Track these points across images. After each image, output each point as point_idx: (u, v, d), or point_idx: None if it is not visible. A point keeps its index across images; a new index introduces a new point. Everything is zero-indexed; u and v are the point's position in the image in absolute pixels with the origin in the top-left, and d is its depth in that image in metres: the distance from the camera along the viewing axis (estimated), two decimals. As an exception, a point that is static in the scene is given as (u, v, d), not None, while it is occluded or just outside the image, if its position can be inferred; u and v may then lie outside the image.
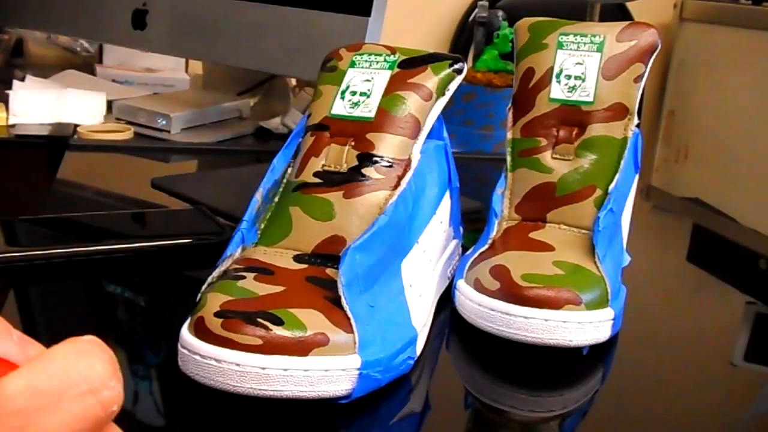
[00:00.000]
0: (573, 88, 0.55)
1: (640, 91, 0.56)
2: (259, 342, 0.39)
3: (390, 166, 0.48)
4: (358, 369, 0.40)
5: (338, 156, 0.49)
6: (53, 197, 0.77)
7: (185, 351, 0.40)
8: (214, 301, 0.41)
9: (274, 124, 1.06)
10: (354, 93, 0.50)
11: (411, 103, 0.50)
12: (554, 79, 0.56)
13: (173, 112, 0.99)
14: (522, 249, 0.52)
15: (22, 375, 0.20)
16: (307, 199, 0.48)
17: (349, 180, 0.48)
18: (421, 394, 0.45)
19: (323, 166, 0.49)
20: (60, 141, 0.93)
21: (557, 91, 0.56)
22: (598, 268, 0.50)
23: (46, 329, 0.50)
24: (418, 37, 2.11)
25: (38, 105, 1.00)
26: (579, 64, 0.56)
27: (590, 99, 0.55)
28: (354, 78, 0.51)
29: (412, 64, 0.51)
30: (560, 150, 0.55)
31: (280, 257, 0.46)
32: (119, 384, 0.21)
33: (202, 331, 0.40)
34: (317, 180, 0.48)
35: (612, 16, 2.03)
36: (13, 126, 0.98)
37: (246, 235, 0.48)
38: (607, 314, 0.48)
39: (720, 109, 1.98)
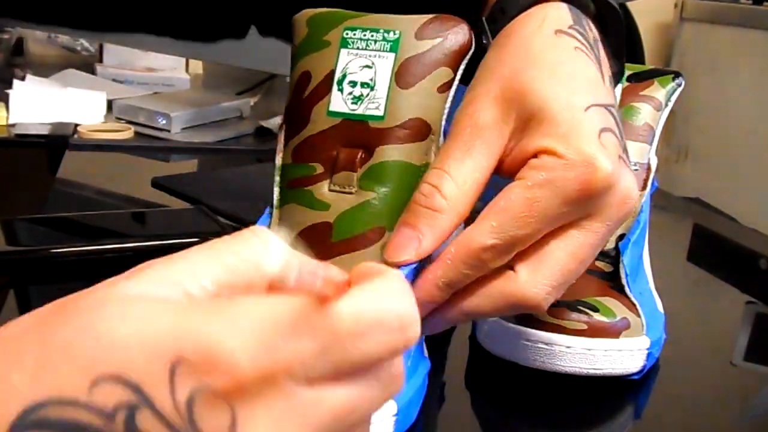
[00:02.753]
0: (359, 99, 0.42)
1: (448, 104, 0.42)
2: (584, 327, 0.45)
3: (636, 170, 0.53)
4: (648, 348, 0.47)
5: None
6: (53, 197, 0.77)
7: (509, 337, 0.46)
8: None
9: (274, 123, 1.06)
10: None
11: (645, 112, 0.55)
12: (335, 87, 0.43)
13: (173, 112, 0.99)
14: None
15: (352, 301, 0.23)
16: None
17: None
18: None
19: None
20: (60, 140, 0.93)
21: (339, 102, 0.42)
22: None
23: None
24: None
25: (38, 104, 1.00)
26: (367, 68, 0.42)
27: (380, 113, 0.42)
28: None
29: (640, 78, 0.56)
30: (339, 179, 0.42)
31: None
32: (419, 328, 0.24)
33: (528, 320, 0.45)
34: None
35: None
36: (13, 125, 0.98)
37: None
38: None
39: (720, 109, 1.98)
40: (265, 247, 0.24)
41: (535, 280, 0.37)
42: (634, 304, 0.48)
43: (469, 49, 0.43)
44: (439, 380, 0.47)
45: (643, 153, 0.54)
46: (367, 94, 0.42)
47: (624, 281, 0.49)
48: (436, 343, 0.52)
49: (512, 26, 0.41)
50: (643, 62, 2.10)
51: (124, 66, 1.29)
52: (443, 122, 0.42)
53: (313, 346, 0.22)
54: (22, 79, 1.07)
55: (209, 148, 0.98)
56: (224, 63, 1.04)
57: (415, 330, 0.24)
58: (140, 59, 1.30)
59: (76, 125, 0.98)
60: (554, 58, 0.39)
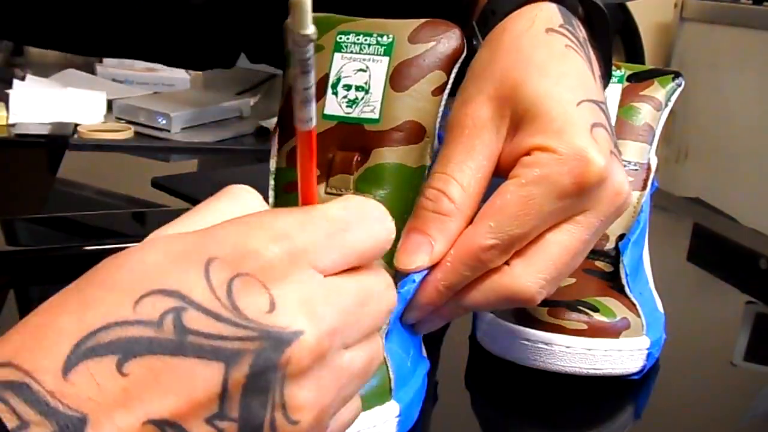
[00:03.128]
0: (354, 102, 0.43)
1: (441, 108, 0.43)
2: (584, 327, 0.45)
3: (636, 170, 0.53)
4: (648, 348, 0.46)
5: None
6: (53, 197, 0.77)
7: (509, 337, 0.45)
8: None
9: (275, 123, 1.06)
10: None
11: (645, 113, 0.55)
12: (330, 91, 0.43)
13: (173, 112, 0.99)
14: None
15: (338, 202, 0.28)
16: None
17: None
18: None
19: None
20: (60, 140, 0.93)
21: (333, 105, 0.43)
22: None
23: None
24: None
25: (38, 104, 1.00)
26: (362, 72, 0.43)
27: (376, 116, 0.42)
28: None
29: (640, 77, 0.56)
30: (336, 182, 0.42)
31: None
32: (393, 225, 0.29)
33: (528, 320, 0.45)
34: None
35: (612, 16, 2.03)
36: (13, 125, 0.98)
37: None
38: None
39: (720, 109, 1.98)
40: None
41: (529, 273, 0.37)
42: (634, 304, 0.48)
43: (462, 53, 0.43)
44: (438, 380, 0.47)
45: (643, 153, 0.54)
46: (362, 98, 0.43)
47: (624, 281, 0.49)
48: (435, 343, 0.52)
49: (503, 26, 0.42)
50: (643, 62, 2.10)
51: (124, 66, 1.29)
52: (435, 125, 0.43)
53: (318, 233, 0.26)
54: (22, 79, 1.07)
55: (209, 148, 0.98)
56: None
57: (391, 224, 0.29)
58: (140, 59, 1.30)
59: (76, 125, 0.98)
60: (545, 56, 0.39)
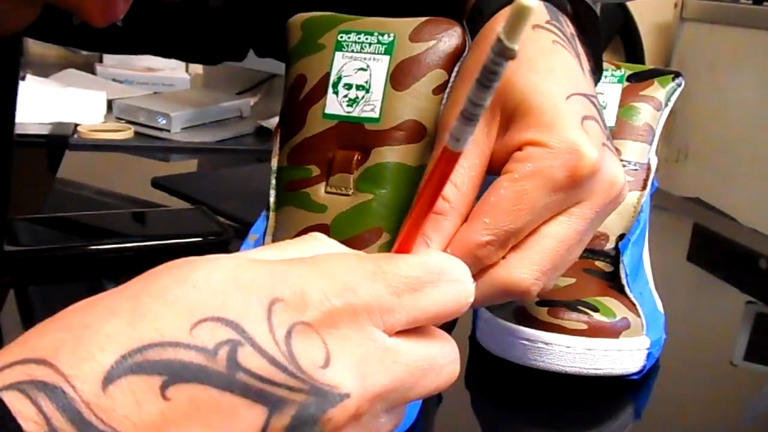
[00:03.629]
0: (354, 101, 0.43)
1: (442, 106, 0.43)
2: (584, 327, 0.45)
3: (636, 170, 0.53)
4: (647, 348, 0.46)
5: None
6: (53, 197, 0.77)
7: (509, 337, 0.46)
8: None
9: (274, 123, 1.06)
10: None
11: (645, 113, 0.55)
12: (331, 90, 0.43)
13: (173, 112, 0.99)
14: None
15: (418, 254, 0.27)
16: None
17: None
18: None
19: None
20: (60, 140, 0.93)
21: (334, 104, 0.43)
22: None
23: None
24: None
25: (38, 104, 1.00)
26: (362, 71, 0.43)
27: (376, 115, 0.42)
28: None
29: (640, 78, 0.56)
30: (336, 181, 0.42)
31: None
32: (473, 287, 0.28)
33: (527, 319, 0.46)
34: None
35: (612, 17, 2.03)
36: (13, 125, 0.98)
37: None
38: None
39: (720, 109, 1.98)
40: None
41: (524, 265, 0.37)
42: (634, 304, 0.48)
43: (463, 51, 0.43)
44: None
45: (643, 153, 0.54)
46: (363, 97, 0.42)
47: (624, 281, 0.49)
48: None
49: (490, 25, 0.42)
50: (643, 62, 2.10)
51: (124, 66, 1.29)
52: (433, 124, 0.43)
53: (386, 289, 0.26)
54: (22, 79, 1.07)
55: (209, 148, 0.98)
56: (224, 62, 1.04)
57: (471, 285, 0.28)
58: (140, 59, 1.30)
59: (76, 125, 0.98)
60: (533, 52, 0.39)
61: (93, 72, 1.25)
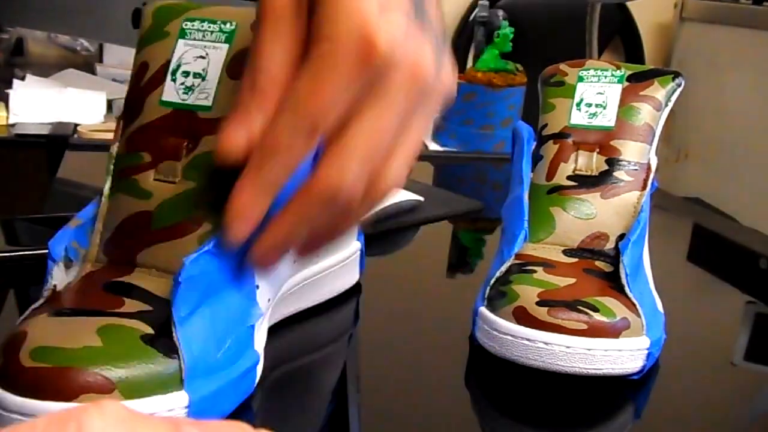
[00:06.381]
0: (190, 89, 0.42)
1: None
2: (584, 327, 0.45)
3: (636, 170, 0.54)
4: (647, 348, 0.46)
5: (588, 161, 0.54)
6: (53, 197, 0.77)
7: (508, 337, 0.46)
8: (527, 292, 0.46)
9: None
10: (589, 105, 0.56)
11: (645, 113, 0.55)
12: (169, 77, 0.43)
13: (173, 112, 0.99)
14: (92, 305, 0.39)
15: (197, 426, 0.23)
16: (566, 199, 0.53)
17: (602, 182, 0.53)
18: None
19: (575, 170, 0.54)
20: (60, 140, 0.93)
21: (171, 92, 0.43)
22: None
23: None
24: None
25: (38, 104, 1.00)
26: (201, 58, 0.43)
27: (208, 103, 0.42)
28: (586, 91, 0.57)
29: (640, 78, 0.57)
30: (164, 169, 0.42)
31: (550, 252, 0.52)
32: None
33: (526, 319, 0.45)
34: (572, 183, 0.54)
35: (612, 17, 2.03)
36: (13, 125, 0.98)
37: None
38: None
39: (720, 109, 1.98)
40: None
41: (334, 164, 0.36)
42: (634, 304, 0.48)
43: None
44: (438, 380, 0.47)
45: (643, 153, 0.54)
46: (198, 84, 0.42)
47: (624, 281, 0.49)
48: (436, 342, 0.52)
49: None
50: (643, 62, 2.10)
51: (125, 65, 1.29)
52: None
53: None
54: (22, 79, 1.07)
55: (209, 148, 0.97)
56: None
57: None
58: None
59: (76, 125, 0.98)
60: None
61: (93, 72, 1.25)
